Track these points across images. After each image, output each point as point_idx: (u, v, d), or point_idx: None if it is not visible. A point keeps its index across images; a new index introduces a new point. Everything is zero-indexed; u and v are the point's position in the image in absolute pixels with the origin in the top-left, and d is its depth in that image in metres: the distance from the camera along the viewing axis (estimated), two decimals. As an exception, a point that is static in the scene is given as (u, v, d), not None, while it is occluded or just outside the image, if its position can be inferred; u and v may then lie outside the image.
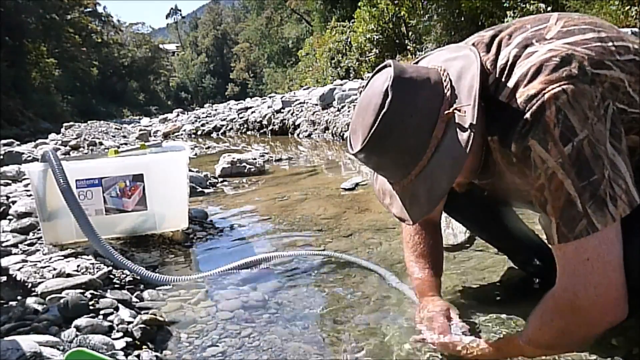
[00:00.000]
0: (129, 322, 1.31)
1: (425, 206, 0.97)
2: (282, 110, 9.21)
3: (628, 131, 0.92)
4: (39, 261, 1.74)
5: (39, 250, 1.90)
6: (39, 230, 2.11)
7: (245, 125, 10.17)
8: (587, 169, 0.86)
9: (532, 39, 0.96)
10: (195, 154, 6.61)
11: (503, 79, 0.94)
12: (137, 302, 1.52)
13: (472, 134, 0.90)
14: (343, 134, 6.38)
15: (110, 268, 1.69)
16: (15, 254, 1.87)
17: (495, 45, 1.00)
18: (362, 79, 9.92)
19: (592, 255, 0.88)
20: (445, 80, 0.95)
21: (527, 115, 0.88)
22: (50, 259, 1.77)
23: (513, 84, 0.92)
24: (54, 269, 1.62)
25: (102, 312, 1.35)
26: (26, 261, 1.75)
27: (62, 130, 12.68)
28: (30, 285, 1.50)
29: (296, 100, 9.35)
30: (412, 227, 1.35)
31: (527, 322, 1.01)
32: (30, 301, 1.39)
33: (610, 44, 0.93)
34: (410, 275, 1.35)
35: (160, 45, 61.92)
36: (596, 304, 0.89)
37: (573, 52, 0.90)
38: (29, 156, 5.45)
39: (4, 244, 1.95)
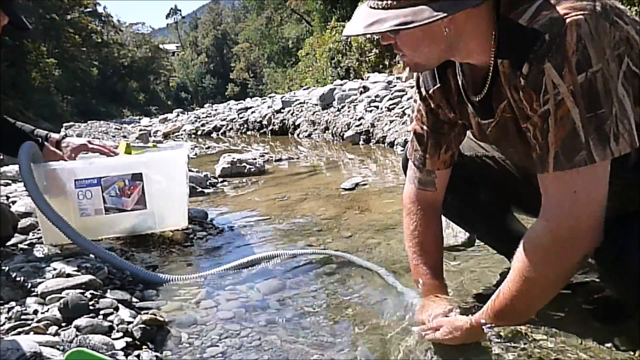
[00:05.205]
0: (129, 322, 1.31)
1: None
2: (282, 110, 9.22)
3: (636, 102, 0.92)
4: (39, 261, 1.74)
5: (39, 250, 1.90)
6: (39, 230, 2.11)
7: (245, 125, 10.18)
8: (596, 101, 0.87)
9: None
10: (195, 154, 6.61)
11: (525, 4, 0.93)
12: (137, 302, 1.52)
13: None
14: (343, 134, 6.37)
15: (110, 268, 1.69)
16: (15, 254, 1.86)
17: None
18: (362, 79, 9.91)
19: (580, 188, 0.90)
20: None
21: (547, 36, 0.88)
22: (51, 259, 1.77)
23: (535, 9, 0.91)
24: (54, 269, 1.62)
25: (102, 312, 1.34)
26: (26, 261, 1.75)
27: (62, 130, 12.68)
28: (30, 285, 1.49)
29: (296, 100, 9.35)
30: (415, 213, 1.30)
31: (511, 269, 1.01)
32: (30, 301, 1.39)
33: (627, 14, 0.94)
34: (414, 274, 1.32)
35: (160, 45, 61.88)
36: (574, 235, 0.92)
37: None
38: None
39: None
